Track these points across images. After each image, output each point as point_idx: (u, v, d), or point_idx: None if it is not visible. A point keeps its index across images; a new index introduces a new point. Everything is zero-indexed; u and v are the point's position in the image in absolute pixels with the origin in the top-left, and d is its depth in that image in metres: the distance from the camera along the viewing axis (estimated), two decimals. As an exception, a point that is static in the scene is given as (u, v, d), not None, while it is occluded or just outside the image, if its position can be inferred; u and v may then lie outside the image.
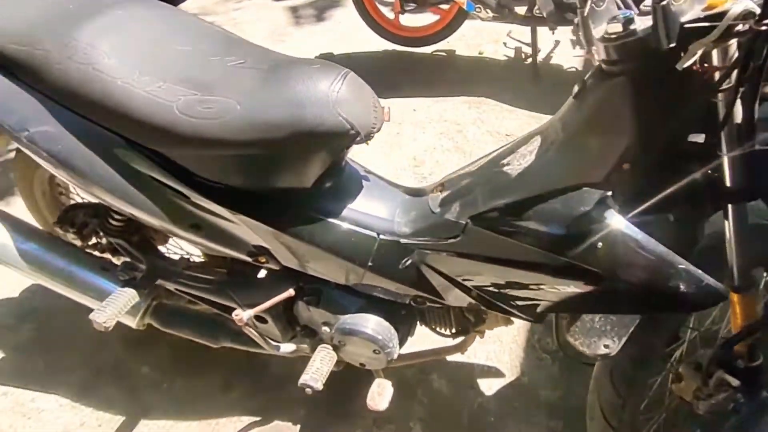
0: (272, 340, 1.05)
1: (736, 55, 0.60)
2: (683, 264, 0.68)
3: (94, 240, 1.17)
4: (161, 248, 1.18)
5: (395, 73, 2.47)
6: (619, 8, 0.65)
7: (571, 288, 0.74)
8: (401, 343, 0.98)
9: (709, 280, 0.69)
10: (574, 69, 2.42)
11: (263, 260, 0.96)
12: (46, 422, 1.26)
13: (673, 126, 0.66)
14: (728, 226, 0.68)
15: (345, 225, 0.89)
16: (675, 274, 0.68)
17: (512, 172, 0.75)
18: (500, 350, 1.35)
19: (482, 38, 2.65)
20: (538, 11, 2.11)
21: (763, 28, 0.53)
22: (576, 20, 0.68)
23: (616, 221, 0.68)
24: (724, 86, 0.61)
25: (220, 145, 0.78)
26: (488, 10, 2.09)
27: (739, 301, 0.71)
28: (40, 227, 1.32)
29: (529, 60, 2.46)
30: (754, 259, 0.71)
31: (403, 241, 0.87)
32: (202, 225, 0.90)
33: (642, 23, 0.61)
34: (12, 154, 1.22)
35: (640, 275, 0.68)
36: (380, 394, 0.95)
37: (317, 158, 0.84)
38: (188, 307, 1.15)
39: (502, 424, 1.20)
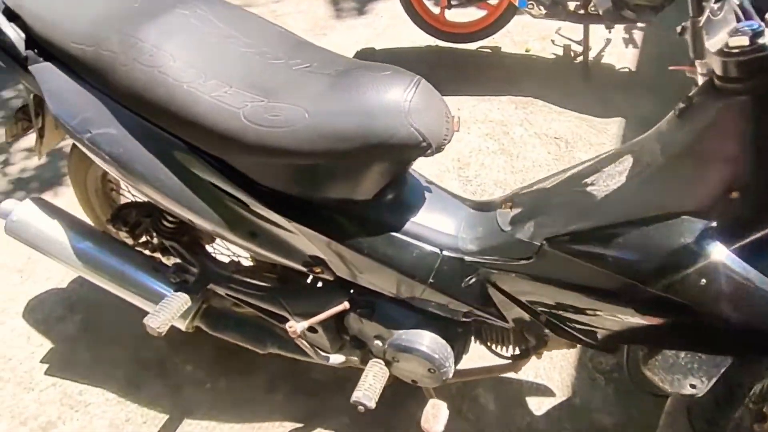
0: (321, 350, 1.03)
1: None
2: None
3: (144, 238, 1.16)
4: (208, 248, 1.17)
5: (438, 70, 2.41)
6: (739, 19, 0.58)
7: (656, 320, 0.69)
8: (456, 361, 0.95)
9: None
10: (626, 69, 2.31)
11: (318, 270, 0.94)
12: (93, 416, 1.28)
13: None
14: None
15: (406, 239, 0.85)
16: None
17: (598, 194, 0.69)
18: (550, 367, 1.29)
19: (529, 35, 2.55)
20: (593, 8, 2.02)
21: None
22: (682, 29, 0.61)
23: (719, 253, 0.62)
24: None
25: (286, 155, 0.75)
26: (541, 7, 2.00)
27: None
28: (91, 221, 1.34)
29: (579, 59, 2.36)
30: None
31: (467, 258, 0.83)
32: (258, 233, 0.88)
33: None
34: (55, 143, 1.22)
35: (742, 313, 0.62)
36: (435, 417, 0.91)
37: (383, 170, 0.80)
38: (236, 310, 1.14)
39: (553, 447, 1.15)
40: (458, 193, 1.78)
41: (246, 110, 0.74)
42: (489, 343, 1.00)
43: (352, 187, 0.81)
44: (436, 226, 0.86)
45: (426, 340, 0.92)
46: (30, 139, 1.19)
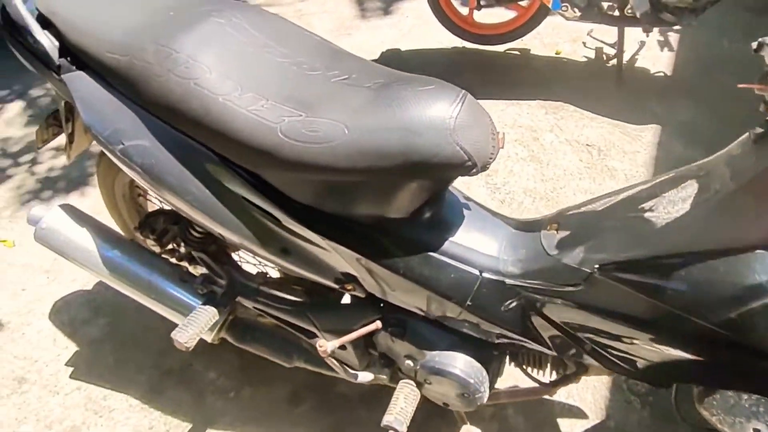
0: (349, 367, 1.00)
1: None
2: None
3: (171, 246, 1.15)
4: (235, 256, 1.15)
5: (465, 73, 2.36)
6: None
7: (717, 359, 0.64)
8: (491, 385, 0.91)
9: None
10: (662, 73, 2.23)
11: (350, 287, 0.91)
12: (116, 422, 1.27)
13: None
14: None
15: (444, 259, 0.81)
16: None
17: (657, 220, 0.65)
18: (583, 388, 1.25)
19: (559, 36, 2.48)
20: (629, 11, 1.94)
21: None
22: (759, 45, 0.56)
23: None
24: None
25: (324, 172, 0.72)
26: (575, 9, 1.93)
27: None
28: (118, 227, 1.33)
29: (612, 62, 2.28)
30: None
31: (509, 281, 0.79)
32: (290, 249, 0.85)
33: None
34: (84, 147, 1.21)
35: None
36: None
37: (423, 188, 0.76)
38: (262, 322, 1.12)
39: (586, 472, 1.11)
40: (486, 201, 1.75)
41: (283, 125, 0.71)
42: (525, 367, 0.96)
43: (390, 204, 0.78)
44: (476, 247, 0.82)
45: (460, 363, 0.88)
46: (57, 139, 1.19)
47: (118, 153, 0.82)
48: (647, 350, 0.71)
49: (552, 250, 0.76)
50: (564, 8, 1.95)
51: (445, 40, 2.51)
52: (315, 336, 1.03)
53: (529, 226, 0.84)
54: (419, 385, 0.93)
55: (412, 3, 2.90)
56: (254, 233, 0.83)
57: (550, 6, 1.96)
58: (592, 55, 2.36)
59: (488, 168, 0.74)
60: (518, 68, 2.36)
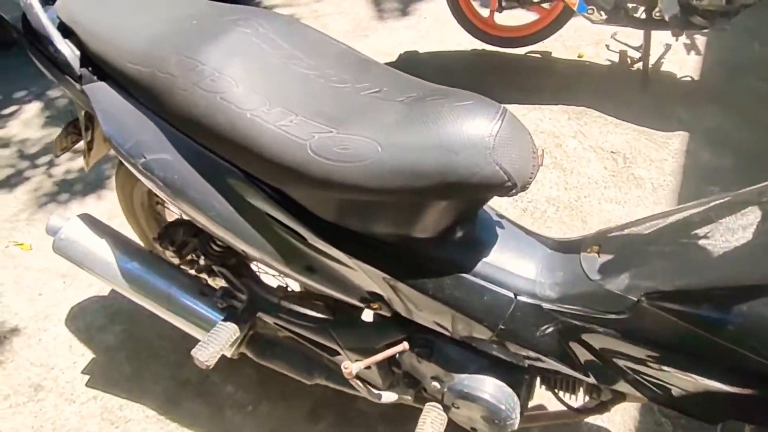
0: (372, 386, 0.97)
1: None
2: None
3: (191, 257, 1.12)
4: (253, 265, 1.12)
5: (485, 76, 2.32)
6: None
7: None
8: (522, 411, 0.87)
9: None
10: (688, 78, 2.16)
11: (375, 306, 0.87)
12: (133, 433, 1.26)
13: None
14: None
15: (477, 281, 0.77)
16: None
17: (713, 249, 0.60)
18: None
19: (581, 39, 2.42)
20: (657, 14, 1.88)
21: None
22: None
23: None
24: None
25: (354, 191, 0.68)
26: (602, 12, 1.88)
27: None
28: (136, 234, 1.31)
29: (637, 66, 2.22)
30: None
31: (546, 306, 0.75)
32: (315, 268, 0.82)
33: None
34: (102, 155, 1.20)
35: None
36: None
37: (457, 208, 0.73)
38: (282, 337, 1.09)
39: (616, 498, 1.06)
40: (507, 210, 1.71)
41: (313, 142, 0.68)
42: (557, 391, 0.92)
43: (421, 224, 0.74)
44: (511, 268, 0.78)
45: (490, 388, 0.84)
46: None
47: (139, 166, 0.79)
48: (695, 384, 0.67)
49: (594, 275, 0.72)
50: (590, 11, 1.89)
51: (464, 42, 2.47)
52: (337, 353, 1.00)
53: (568, 247, 0.79)
54: (446, 409, 0.90)
55: (429, 4, 2.85)
56: (278, 250, 0.80)
57: (575, 9, 1.91)
58: (615, 58, 2.30)
59: (528, 188, 0.70)
60: (539, 72, 2.31)
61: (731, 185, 1.72)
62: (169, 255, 1.12)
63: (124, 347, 1.43)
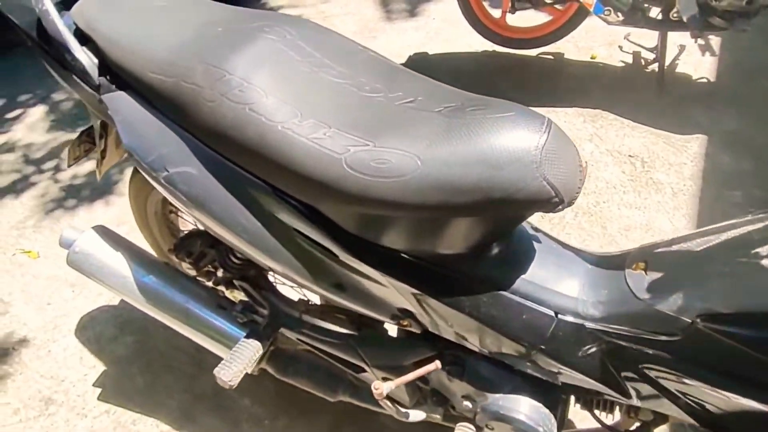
0: (399, 404, 0.94)
1: None
2: None
3: (208, 268, 1.09)
4: (270, 275, 1.09)
5: (497, 78, 2.28)
6: None
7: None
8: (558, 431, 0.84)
9: None
10: (704, 79, 2.13)
11: (405, 323, 0.84)
12: (147, 449, 1.22)
13: None
14: None
15: (516, 298, 0.74)
16: None
17: (777, 271, 0.57)
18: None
19: (594, 40, 2.39)
20: (675, 15, 1.85)
21: None
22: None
23: None
24: None
25: (391, 207, 0.65)
26: (619, 13, 1.84)
27: None
28: (149, 244, 1.28)
29: (651, 67, 2.19)
30: None
31: (589, 325, 0.72)
32: (345, 285, 0.79)
33: None
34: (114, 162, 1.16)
35: None
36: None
37: (498, 224, 0.69)
38: (303, 353, 1.05)
39: None
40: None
41: (348, 156, 0.64)
42: (595, 409, 0.88)
43: (460, 241, 0.71)
44: (551, 285, 0.75)
45: (526, 408, 0.81)
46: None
47: (161, 180, 0.76)
48: (750, 408, 0.63)
49: (642, 294, 0.69)
50: (606, 12, 1.86)
51: (475, 43, 2.43)
52: (362, 370, 0.96)
53: (610, 263, 0.76)
54: (479, 429, 0.86)
55: (437, 4, 2.82)
56: (307, 267, 0.76)
57: (591, 10, 1.87)
58: (629, 59, 2.27)
59: (573, 204, 0.67)
60: (552, 73, 2.27)
61: (753, 190, 1.69)
62: (185, 266, 1.09)
63: (137, 359, 1.40)
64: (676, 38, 2.19)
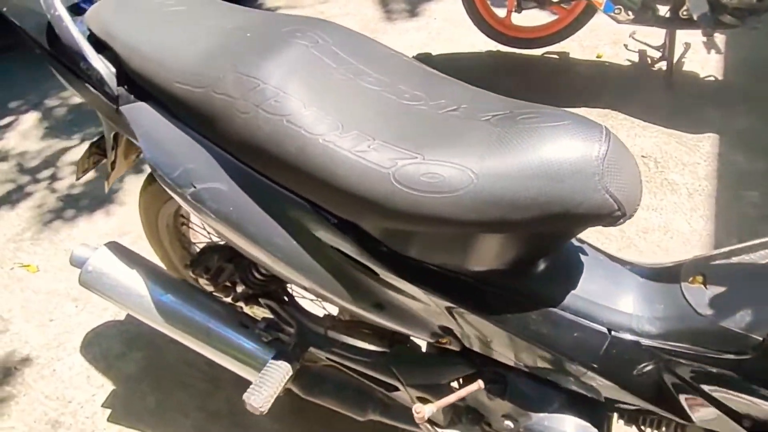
0: (435, 424, 0.90)
1: None
2: None
3: (226, 283, 1.04)
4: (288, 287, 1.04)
5: (503, 78, 2.25)
6: None
7: None
8: (604, 450, 0.80)
9: None
10: (712, 78, 2.12)
11: (445, 341, 0.80)
12: (163, 473, 1.17)
13: None
14: None
15: (567, 315, 0.70)
16: None
17: None
18: None
19: (599, 39, 2.37)
20: (685, 13, 1.83)
21: None
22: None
23: None
24: None
25: (444, 224, 0.61)
26: (629, 12, 1.82)
27: None
28: (159, 258, 1.22)
29: (658, 65, 2.17)
30: None
31: (645, 342, 0.68)
32: (384, 304, 0.75)
33: None
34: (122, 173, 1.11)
35: None
36: None
37: (554, 239, 0.66)
38: (329, 369, 1.01)
39: None
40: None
41: (396, 171, 0.60)
42: (643, 427, 0.85)
43: (509, 256, 0.67)
44: (603, 301, 0.71)
45: (572, 428, 0.78)
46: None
47: (188, 197, 0.71)
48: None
49: (703, 309, 0.65)
50: (617, 11, 1.83)
51: (478, 42, 2.40)
52: (394, 388, 0.92)
53: (664, 276, 0.73)
54: (522, 451, 0.83)
55: (438, 4, 2.78)
56: (346, 287, 0.72)
57: (601, 9, 1.85)
58: (635, 58, 2.25)
59: (634, 216, 0.63)
60: (559, 73, 2.25)
61: (769, 190, 1.68)
62: (203, 282, 1.04)
63: (146, 376, 1.34)
64: (681, 36, 2.17)
